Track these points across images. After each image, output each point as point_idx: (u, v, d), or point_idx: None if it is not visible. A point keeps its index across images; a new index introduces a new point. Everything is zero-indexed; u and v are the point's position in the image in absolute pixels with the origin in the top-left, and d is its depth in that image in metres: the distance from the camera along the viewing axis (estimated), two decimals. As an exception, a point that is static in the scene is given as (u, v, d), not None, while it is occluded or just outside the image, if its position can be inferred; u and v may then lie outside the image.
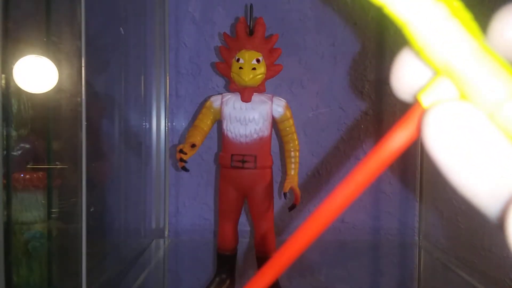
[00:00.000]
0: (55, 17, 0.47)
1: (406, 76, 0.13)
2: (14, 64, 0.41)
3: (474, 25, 0.10)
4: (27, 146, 0.45)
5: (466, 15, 0.10)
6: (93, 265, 0.49)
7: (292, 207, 0.52)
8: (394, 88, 0.13)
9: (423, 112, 0.11)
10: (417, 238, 0.76)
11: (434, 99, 0.11)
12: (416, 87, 0.12)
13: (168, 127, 0.73)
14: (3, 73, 0.39)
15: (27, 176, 0.45)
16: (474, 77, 0.10)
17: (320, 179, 0.74)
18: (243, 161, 0.51)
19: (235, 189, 0.52)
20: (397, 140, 0.12)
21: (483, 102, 0.10)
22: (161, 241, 0.73)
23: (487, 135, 0.10)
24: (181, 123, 0.75)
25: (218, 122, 0.54)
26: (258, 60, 0.50)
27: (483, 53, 0.10)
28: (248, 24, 0.52)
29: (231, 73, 0.51)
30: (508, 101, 0.10)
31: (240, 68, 0.50)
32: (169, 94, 0.74)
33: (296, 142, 0.53)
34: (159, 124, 0.73)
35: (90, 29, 0.45)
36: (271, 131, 0.52)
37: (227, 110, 0.51)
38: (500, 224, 0.11)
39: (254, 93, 0.51)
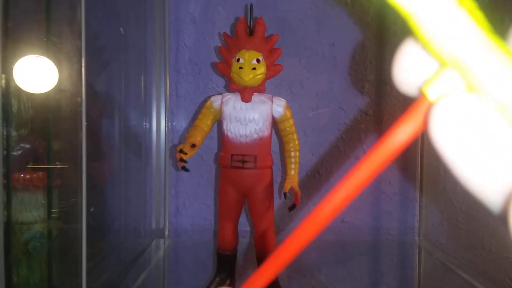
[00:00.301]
0: (55, 17, 0.47)
1: (409, 68, 0.12)
2: (14, 64, 0.41)
3: (481, 15, 0.10)
4: (27, 146, 0.45)
5: (473, 4, 0.10)
6: (93, 265, 0.49)
7: (292, 207, 0.52)
8: (396, 81, 0.13)
9: (429, 105, 0.11)
10: (417, 238, 0.76)
11: (440, 91, 0.11)
12: (419, 80, 0.12)
13: (168, 127, 0.73)
14: (3, 73, 0.39)
15: (27, 176, 0.45)
16: (483, 68, 0.10)
17: (320, 179, 0.74)
18: (243, 161, 0.51)
19: (235, 189, 0.52)
20: (402, 134, 0.11)
21: (492, 94, 0.10)
22: (161, 241, 0.73)
23: (496, 128, 0.10)
24: (181, 123, 0.75)
25: (218, 122, 0.54)
26: (258, 60, 0.50)
27: (492, 44, 0.10)
28: (248, 24, 0.52)
29: (231, 73, 0.51)
30: None
31: (240, 68, 0.50)
32: (169, 94, 0.74)
33: (296, 142, 0.53)
34: (159, 124, 0.73)
35: (90, 29, 0.45)
36: (271, 131, 0.52)
37: (227, 110, 0.51)
38: (503, 217, 0.10)
39: (254, 93, 0.51)
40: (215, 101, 0.53)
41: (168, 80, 0.73)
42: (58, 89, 0.45)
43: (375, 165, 0.12)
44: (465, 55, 0.10)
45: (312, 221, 0.13)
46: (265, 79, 0.51)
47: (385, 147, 0.11)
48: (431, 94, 0.11)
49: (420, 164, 0.75)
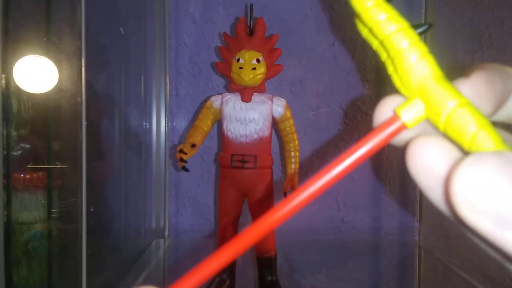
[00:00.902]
0: (55, 17, 0.47)
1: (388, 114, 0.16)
2: (14, 64, 0.41)
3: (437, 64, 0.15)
4: (27, 146, 0.45)
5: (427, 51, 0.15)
6: (93, 265, 0.49)
7: (292, 207, 0.52)
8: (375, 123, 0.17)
9: (400, 122, 0.15)
10: (417, 238, 0.76)
11: (408, 112, 0.15)
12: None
13: (168, 127, 0.73)
14: (3, 73, 0.39)
15: (27, 176, 0.45)
16: (436, 95, 0.14)
17: (320, 179, 0.74)
18: (243, 161, 0.51)
19: (235, 189, 0.52)
20: (372, 142, 0.15)
21: (441, 110, 0.14)
22: (161, 241, 0.73)
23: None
24: (181, 123, 0.75)
25: (218, 122, 0.54)
26: (258, 60, 0.50)
27: (441, 81, 0.14)
28: (248, 24, 0.52)
29: (231, 73, 0.51)
30: (457, 108, 0.14)
31: (240, 68, 0.50)
32: (169, 94, 0.74)
33: (296, 142, 0.53)
34: (159, 124, 0.73)
35: (90, 29, 0.45)
36: (271, 131, 0.52)
37: (227, 110, 0.51)
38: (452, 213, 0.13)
39: (254, 93, 0.51)
40: (215, 101, 0.53)
41: (168, 80, 0.73)
42: (58, 89, 0.45)
43: (345, 167, 0.15)
44: (427, 88, 0.14)
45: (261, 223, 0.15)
46: (265, 79, 0.51)
47: (358, 149, 0.15)
48: (402, 113, 0.15)
49: (420, 164, 0.75)
